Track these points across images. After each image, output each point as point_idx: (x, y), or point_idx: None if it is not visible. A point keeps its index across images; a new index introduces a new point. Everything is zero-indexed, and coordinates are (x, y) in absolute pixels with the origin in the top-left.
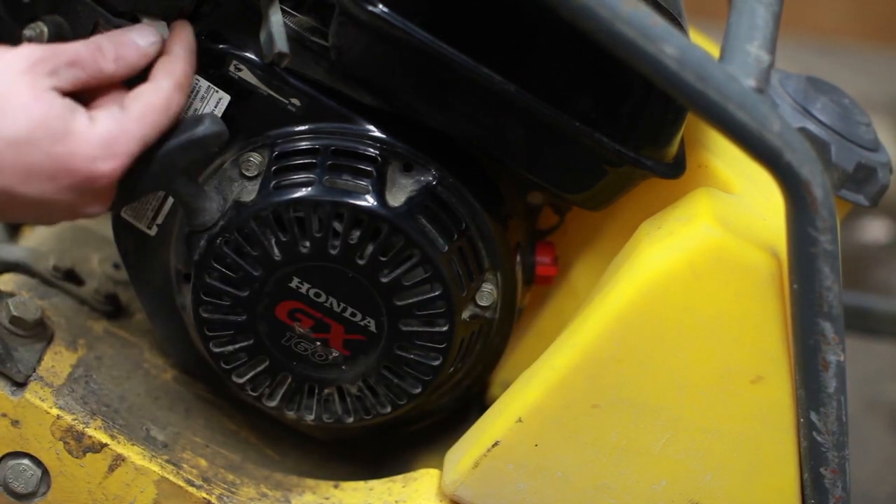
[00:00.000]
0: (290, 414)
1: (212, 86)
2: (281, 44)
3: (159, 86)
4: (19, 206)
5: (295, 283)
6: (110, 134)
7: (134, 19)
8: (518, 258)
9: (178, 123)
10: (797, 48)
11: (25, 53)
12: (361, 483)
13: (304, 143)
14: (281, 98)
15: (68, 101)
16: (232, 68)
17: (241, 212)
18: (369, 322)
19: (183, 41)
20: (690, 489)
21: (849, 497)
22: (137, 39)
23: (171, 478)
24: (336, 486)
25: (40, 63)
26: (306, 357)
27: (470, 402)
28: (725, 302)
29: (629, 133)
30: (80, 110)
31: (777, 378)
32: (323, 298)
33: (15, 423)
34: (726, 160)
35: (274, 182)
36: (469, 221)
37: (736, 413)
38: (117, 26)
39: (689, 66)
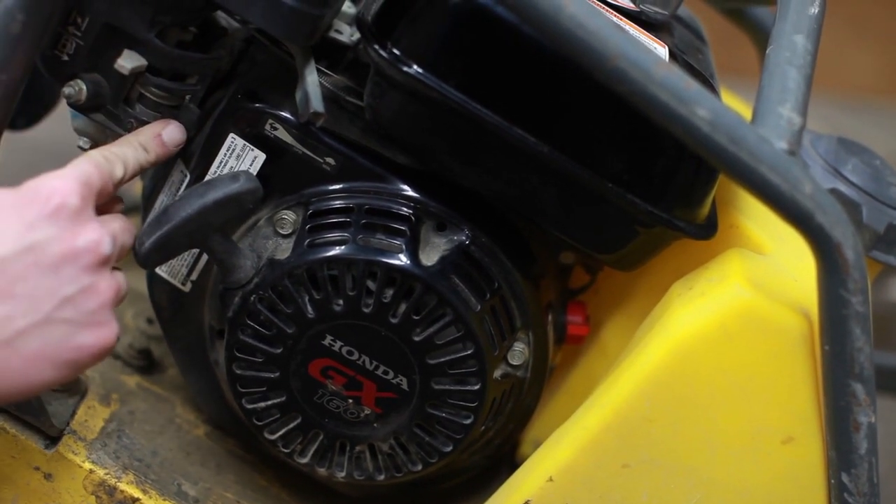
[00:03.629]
0: (322, 471)
1: (248, 144)
2: (316, 103)
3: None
4: (16, 273)
5: (328, 340)
6: (50, 172)
7: (172, 78)
8: (550, 317)
9: (214, 181)
10: (827, 106)
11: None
12: None
13: (338, 202)
14: (316, 157)
15: None
16: (268, 127)
17: (276, 269)
18: (401, 380)
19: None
20: None
21: None
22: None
23: None
24: None
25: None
26: (338, 414)
27: (501, 461)
28: (757, 363)
29: (661, 194)
30: None
31: (808, 439)
32: (356, 356)
33: (48, 476)
34: (758, 221)
35: (308, 240)
36: (501, 281)
37: (767, 474)
38: (155, 85)
39: (722, 128)
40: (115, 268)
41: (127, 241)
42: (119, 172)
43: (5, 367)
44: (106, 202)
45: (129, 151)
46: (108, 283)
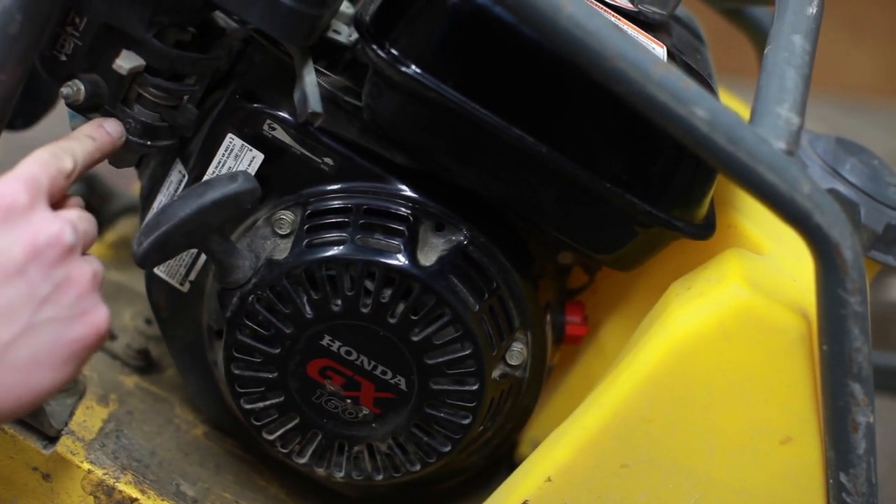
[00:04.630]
0: (320, 471)
1: (245, 144)
2: (315, 103)
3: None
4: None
5: (326, 340)
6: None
7: (171, 78)
8: (548, 317)
9: (212, 181)
10: (825, 106)
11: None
12: None
13: (336, 202)
14: (314, 157)
15: None
16: (266, 127)
17: (274, 269)
18: (400, 380)
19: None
20: None
21: None
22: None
23: None
24: None
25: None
26: (337, 414)
27: (499, 461)
28: (755, 363)
29: (660, 194)
30: None
31: (806, 439)
32: (354, 356)
33: (46, 476)
34: (756, 221)
35: (306, 240)
36: (500, 281)
37: (765, 474)
38: (153, 85)
39: (720, 128)
40: (84, 254)
41: (89, 230)
42: (68, 164)
43: (2, 383)
44: (61, 198)
45: (76, 144)
46: (81, 271)
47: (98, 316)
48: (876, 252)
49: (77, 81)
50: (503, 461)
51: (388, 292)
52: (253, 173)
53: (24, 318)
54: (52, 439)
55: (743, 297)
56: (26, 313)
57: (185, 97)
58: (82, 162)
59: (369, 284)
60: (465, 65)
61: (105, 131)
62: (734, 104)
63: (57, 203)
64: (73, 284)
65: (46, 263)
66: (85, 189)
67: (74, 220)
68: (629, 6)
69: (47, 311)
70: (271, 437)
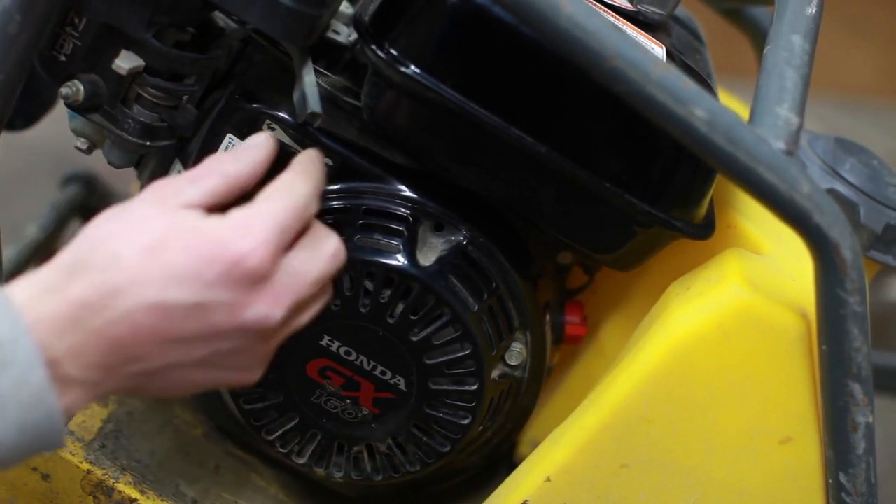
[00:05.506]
0: (319, 471)
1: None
2: (314, 104)
3: (291, 183)
4: (180, 326)
5: (325, 340)
6: (242, 219)
7: (170, 78)
8: (547, 318)
9: None
10: (825, 106)
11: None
12: None
13: (335, 203)
14: None
15: (196, 209)
16: (265, 128)
17: None
18: (399, 380)
19: (314, 159)
20: None
21: None
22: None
23: None
24: None
25: (160, 188)
26: (336, 415)
27: (498, 461)
28: (754, 363)
29: (659, 194)
30: (209, 213)
31: (806, 439)
32: (353, 356)
33: (45, 477)
34: (755, 221)
35: None
36: (499, 281)
37: (764, 474)
38: (153, 85)
39: (720, 128)
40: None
41: (319, 299)
42: (314, 208)
43: (143, 388)
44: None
45: (309, 188)
46: (267, 347)
47: (249, 376)
48: (875, 252)
49: (76, 82)
50: (503, 461)
51: (387, 292)
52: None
53: (194, 357)
54: None
55: (742, 297)
56: (197, 353)
57: (185, 97)
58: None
59: (369, 284)
60: (464, 65)
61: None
62: (734, 104)
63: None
64: (250, 354)
65: (240, 337)
66: (85, 189)
67: (296, 295)
68: (628, 6)
69: (214, 359)
70: (270, 438)
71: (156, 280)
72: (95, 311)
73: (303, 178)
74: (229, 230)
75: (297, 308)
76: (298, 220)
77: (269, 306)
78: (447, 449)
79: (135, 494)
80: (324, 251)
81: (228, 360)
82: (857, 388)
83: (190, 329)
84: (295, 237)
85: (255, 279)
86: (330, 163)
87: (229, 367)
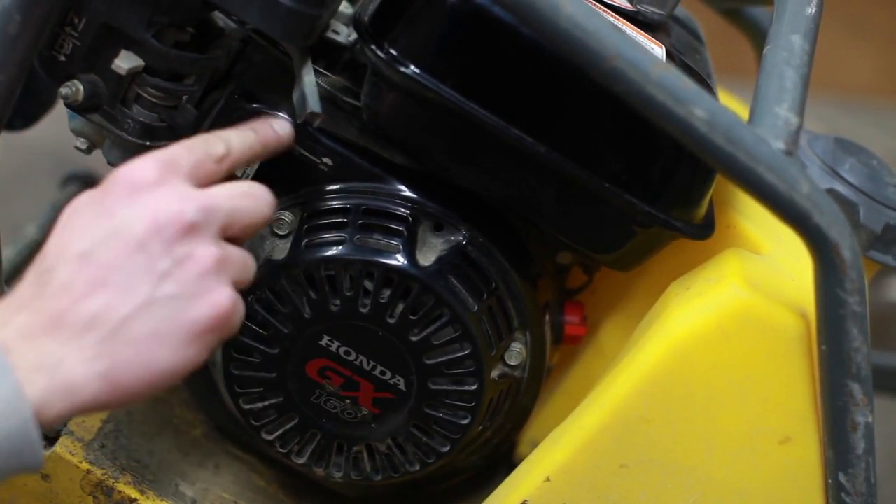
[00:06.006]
0: (319, 471)
1: None
2: (314, 104)
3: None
4: (106, 260)
5: (325, 341)
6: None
7: (169, 78)
8: (547, 317)
9: None
10: (824, 106)
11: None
12: None
13: (335, 202)
14: (313, 157)
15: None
16: None
17: (273, 270)
18: (399, 380)
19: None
20: None
21: None
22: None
23: None
24: None
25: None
26: (335, 415)
27: (498, 461)
28: (754, 363)
29: (659, 194)
30: None
31: (805, 439)
32: (353, 356)
33: (45, 477)
34: (755, 221)
35: (305, 241)
36: (499, 281)
37: (764, 474)
38: (152, 85)
39: (719, 128)
40: (233, 240)
41: (244, 207)
42: (218, 148)
43: (120, 358)
44: (214, 181)
45: (233, 132)
46: (206, 251)
47: (220, 298)
48: (875, 252)
49: (76, 82)
50: (502, 461)
51: (386, 292)
52: (252, 174)
53: (144, 292)
54: (51, 439)
55: (742, 297)
56: (146, 287)
57: (184, 97)
58: (238, 149)
59: (368, 284)
60: (464, 65)
61: (270, 126)
62: (733, 104)
63: (207, 185)
64: (194, 263)
65: (167, 239)
66: (84, 189)
67: (210, 198)
68: (628, 6)
69: (167, 287)
70: (270, 438)
71: (73, 237)
72: (32, 294)
73: (224, 130)
74: (121, 168)
75: (212, 212)
76: (190, 153)
77: (177, 202)
78: (447, 449)
79: (134, 494)
80: (238, 184)
81: (177, 282)
82: (856, 388)
83: (116, 258)
84: (199, 173)
85: (149, 185)
86: (330, 162)
87: (185, 294)
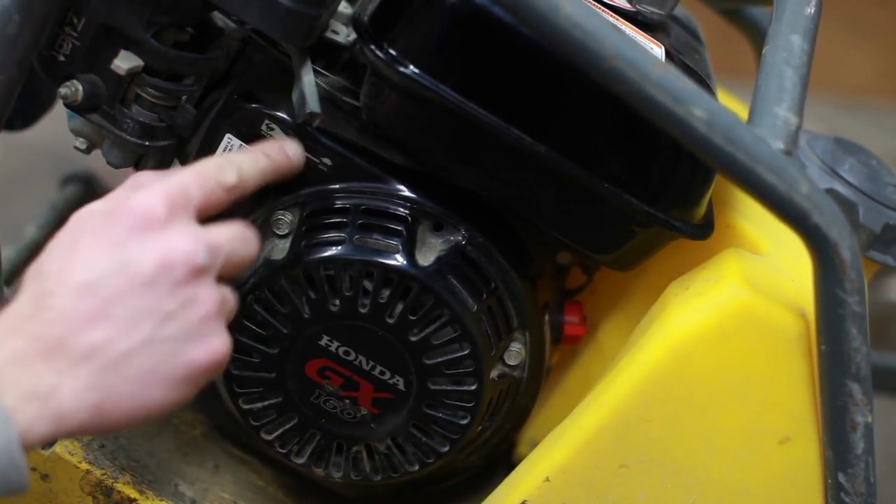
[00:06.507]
0: (318, 471)
1: (244, 145)
2: (313, 104)
3: (221, 159)
4: (110, 293)
5: (324, 341)
6: (141, 182)
7: (169, 78)
8: (546, 317)
9: None
10: (824, 106)
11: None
12: None
13: (334, 203)
14: (312, 157)
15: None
16: (264, 128)
17: (272, 270)
18: (398, 380)
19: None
20: None
21: None
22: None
23: None
24: None
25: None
26: (335, 415)
27: (497, 461)
28: (753, 363)
29: (658, 194)
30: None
31: (805, 439)
32: (352, 356)
33: (44, 477)
34: (754, 221)
35: (305, 241)
36: (498, 281)
37: (763, 474)
38: (151, 85)
39: (718, 128)
40: (222, 280)
41: (239, 250)
42: (230, 177)
43: (114, 392)
44: (217, 213)
45: (246, 158)
46: (209, 294)
47: (218, 343)
48: (874, 252)
49: (75, 82)
50: (502, 461)
51: (386, 292)
52: None
53: (147, 331)
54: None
55: (741, 297)
56: (149, 326)
57: (184, 97)
58: (249, 177)
59: (368, 284)
60: (463, 65)
61: (284, 152)
62: (733, 104)
63: (212, 218)
64: (199, 306)
65: (175, 280)
66: (84, 189)
67: (216, 240)
68: (627, 6)
69: (169, 328)
70: (270, 438)
71: (78, 265)
72: (28, 317)
73: (237, 152)
74: (125, 191)
75: (216, 255)
76: (201, 184)
77: (189, 243)
78: (446, 449)
79: (134, 494)
80: (234, 226)
81: (179, 324)
82: (855, 388)
83: (122, 292)
84: (208, 205)
85: (161, 221)
86: (329, 162)
87: (187, 336)
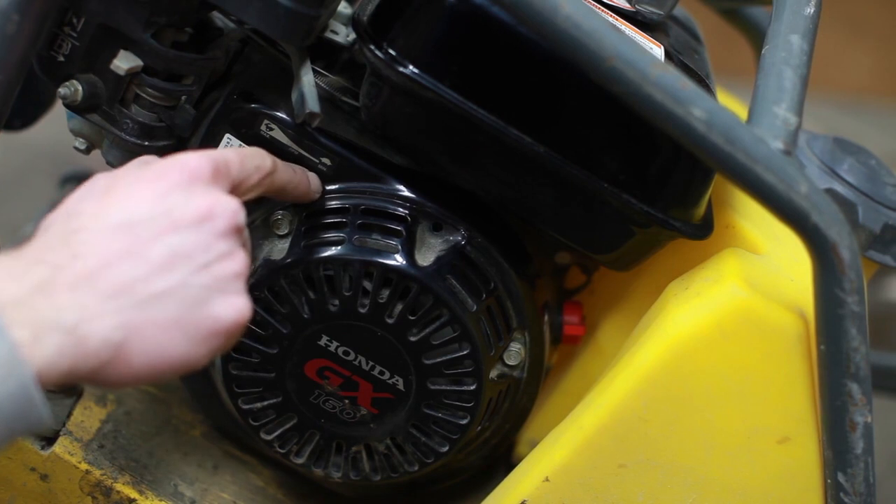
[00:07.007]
0: (318, 471)
1: (243, 145)
2: (312, 104)
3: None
4: (147, 235)
5: (324, 341)
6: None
7: (168, 79)
8: (546, 317)
9: None
10: (823, 106)
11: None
12: None
13: (334, 203)
14: (312, 157)
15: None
16: (263, 128)
17: (272, 270)
18: (397, 380)
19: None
20: None
21: None
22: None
23: None
24: None
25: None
26: (334, 415)
27: (497, 461)
28: (753, 363)
29: (657, 194)
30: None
31: (804, 439)
32: (352, 356)
33: (44, 477)
34: (754, 221)
35: (304, 241)
36: (497, 281)
37: (763, 474)
38: (150, 86)
39: (717, 128)
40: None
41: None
42: (267, 164)
43: (139, 335)
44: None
45: (280, 161)
46: (242, 255)
47: (243, 303)
48: (873, 252)
49: (75, 82)
50: (501, 461)
51: (385, 292)
52: None
53: (180, 276)
54: (49, 440)
55: (741, 296)
56: (183, 271)
57: (183, 98)
58: (279, 177)
59: (367, 284)
60: (462, 65)
61: (307, 176)
62: (732, 104)
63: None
64: (233, 262)
65: (216, 232)
66: None
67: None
68: (627, 6)
69: (202, 277)
70: (269, 438)
71: (118, 206)
72: (56, 248)
73: (281, 162)
74: (172, 156)
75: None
76: (240, 167)
77: (233, 202)
78: (446, 449)
79: (133, 494)
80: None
81: (213, 275)
82: (855, 388)
83: (161, 235)
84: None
85: (206, 180)
86: (328, 162)
87: (218, 288)
